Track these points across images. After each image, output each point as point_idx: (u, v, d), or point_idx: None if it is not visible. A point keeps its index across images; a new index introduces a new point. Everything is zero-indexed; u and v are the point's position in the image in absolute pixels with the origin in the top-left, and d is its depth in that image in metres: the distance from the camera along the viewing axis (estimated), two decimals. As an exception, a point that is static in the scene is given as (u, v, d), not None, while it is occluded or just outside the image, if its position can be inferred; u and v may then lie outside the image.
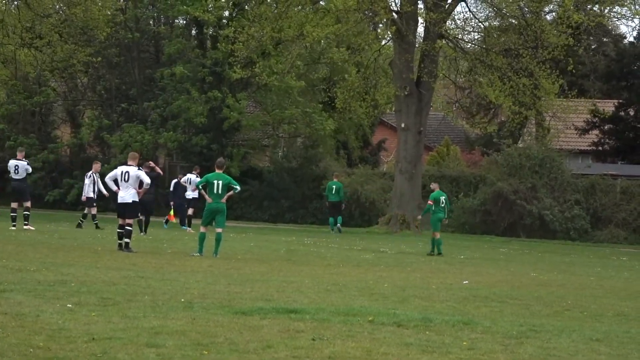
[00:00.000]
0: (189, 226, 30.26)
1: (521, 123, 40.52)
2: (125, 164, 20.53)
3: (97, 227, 27.56)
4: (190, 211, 30.88)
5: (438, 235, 25.02)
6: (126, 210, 19.99)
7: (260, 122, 43.79)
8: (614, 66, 50.38)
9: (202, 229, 20.13)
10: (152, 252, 20.17)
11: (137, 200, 20.18)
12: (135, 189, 20.03)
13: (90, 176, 28.46)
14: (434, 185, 26.34)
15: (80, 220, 28.49)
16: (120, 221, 20.03)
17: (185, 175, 32.05)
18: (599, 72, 52.80)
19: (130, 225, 19.94)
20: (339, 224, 35.47)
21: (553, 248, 33.07)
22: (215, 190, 19.74)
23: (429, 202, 25.60)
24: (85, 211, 28.79)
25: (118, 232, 20.14)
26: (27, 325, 9.17)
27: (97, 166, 28.98)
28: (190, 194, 30.27)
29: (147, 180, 20.25)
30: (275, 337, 9.13)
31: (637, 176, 40.70)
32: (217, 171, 20.13)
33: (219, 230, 19.80)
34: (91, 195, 28.18)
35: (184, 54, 43.62)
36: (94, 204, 28.52)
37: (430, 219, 25.57)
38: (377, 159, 52.11)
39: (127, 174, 19.99)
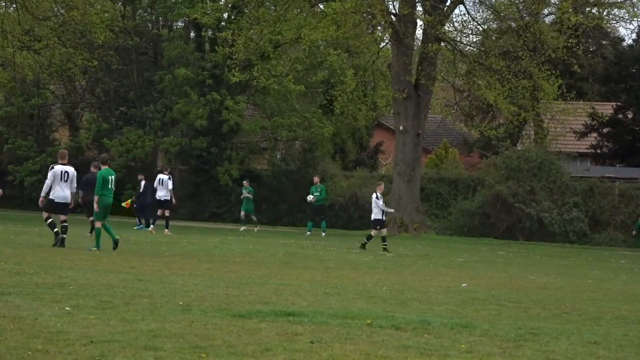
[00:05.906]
0: (167, 227, 30.03)
1: (519, 126, 40.51)
2: (58, 163, 20.79)
3: (384, 249, 26.53)
4: (167, 212, 30.54)
5: None
6: (64, 208, 20.53)
7: (260, 127, 43.79)
8: (613, 69, 50.41)
9: (99, 224, 20.29)
10: (150, 255, 20.15)
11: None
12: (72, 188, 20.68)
13: (379, 197, 26.81)
14: None
15: (364, 242, 27.14)
16: (62, 217, 20.56)
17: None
18: (597, 74, 52.82)
19: (65, 221, 20.48)
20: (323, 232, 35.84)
21: (551, 251, 33.05)
22: (110, 186, 20.27)
23: None
24: (372, 233, 27.12)
25: (63, 225, 20.50)
26: (25, 328, 9.16)
27: (381, 187, 27.56)
28: (162, 195, 30.15)
29: (75, 183, 20.80)
30: (274, 340, 9.12)
31: (635, 179, 40.71)
32: (105, 167, 20.58)
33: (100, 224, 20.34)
34: (379, 217, 26.72)
35: (183, 57, 43.60)
36: (383, 225, 27.03)
37: None
38: (375, 161, 52.11)
39: (66, 173, 20.49)
